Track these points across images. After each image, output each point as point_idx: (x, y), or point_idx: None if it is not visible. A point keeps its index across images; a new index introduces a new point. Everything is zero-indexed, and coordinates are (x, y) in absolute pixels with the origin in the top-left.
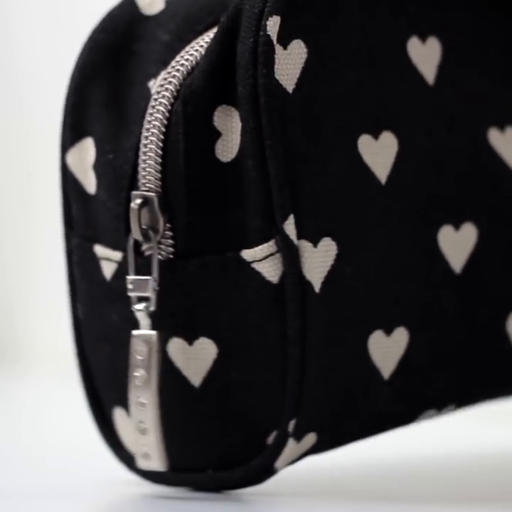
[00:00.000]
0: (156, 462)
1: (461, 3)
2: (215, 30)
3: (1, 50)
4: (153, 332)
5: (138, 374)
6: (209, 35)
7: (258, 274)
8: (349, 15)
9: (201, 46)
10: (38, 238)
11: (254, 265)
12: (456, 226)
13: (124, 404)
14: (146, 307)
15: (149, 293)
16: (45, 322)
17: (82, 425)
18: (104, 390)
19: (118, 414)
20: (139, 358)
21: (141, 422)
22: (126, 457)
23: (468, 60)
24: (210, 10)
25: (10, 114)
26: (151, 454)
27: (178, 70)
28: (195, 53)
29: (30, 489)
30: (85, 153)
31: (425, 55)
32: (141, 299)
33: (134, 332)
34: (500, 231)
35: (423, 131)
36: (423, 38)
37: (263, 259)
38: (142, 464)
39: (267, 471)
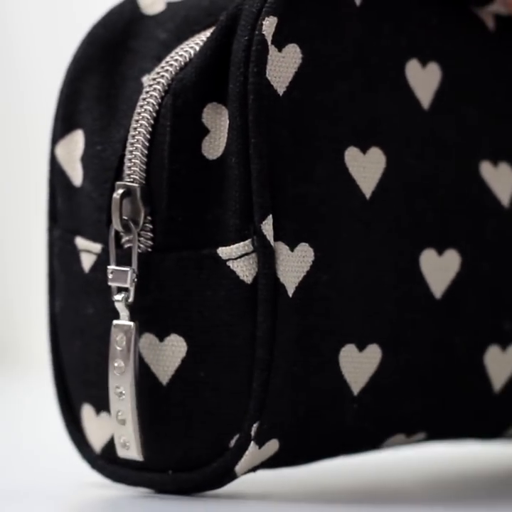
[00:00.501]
0: (134, 452)
1: (469, 35)
2: (212, 29)
3: (1, 48)
4: (132, 323)
5: (116, 364)
6: (206, 34)
7: (232, 272)
8: (349, 26)
9: (196, 44)
10: (38, 238)
11: (230, 263)
12: (439, 251)
13: (93, 400)
14: (125, 298)
15: (128, 284)
16: (45, 322)
17: None
18: (74, 386)
19: (86, 411)
20: (118, 348)
21: (119, 412)
22: (89, 455)
23: (468, 91)
24: (210, 12)
25: (11, 116)
26: (130, 443)
27: (171, 65)
28: (190, 50)
29: (29, 490)
30: (75, 146)
31: (423, 80)
32: (120, 290)
33: (114, 322)
34: (484, 263)
35: (413, 153)
36: (424, 62)
37: (238, 258)
38: (121, 453)
39: (226, 475)
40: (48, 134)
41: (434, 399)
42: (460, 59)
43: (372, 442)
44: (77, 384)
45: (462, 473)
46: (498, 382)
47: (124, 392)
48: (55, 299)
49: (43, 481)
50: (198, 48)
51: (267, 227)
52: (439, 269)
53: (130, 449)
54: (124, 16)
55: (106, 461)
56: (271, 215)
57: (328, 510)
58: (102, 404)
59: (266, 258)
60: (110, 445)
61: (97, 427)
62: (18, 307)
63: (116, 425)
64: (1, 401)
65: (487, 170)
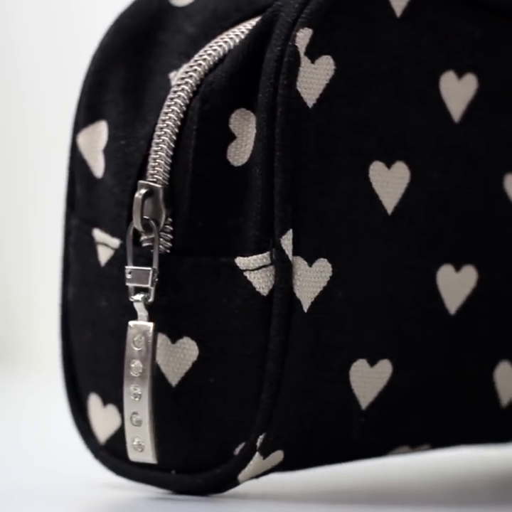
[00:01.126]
0: (148, 454)
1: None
2: (241, 26)
3: (1, 47)
4: (151, 324)
5: (134, 365)
6: (234, 31)
7: (249, 283)
8: (387, 38)
9: (225, 42)
10: (38, 238)
11: (247, 274)
12: (457, 267)
13: (100, 392)
14: (145, 298)
15: (148, 284)
16: (45, 322)
17: None
18: (82, 375)
19: (93, 401)
20: (136, 349)
21: (135, 413)
22: (93, 445)
23: (501, 103)
24: (238, 6)
25: (11, 117)
26: (144, 445)
27: (199, 65)
28: (219, 49)
29: (30, 490)
30: (97, 136)
31: (457, 91)
32: (138, 290)
33: (131, 323)
34: (500, 279)
35: (439, 166)
36: (460, 73)
37: (256, 270)
38: (134, 456)
39: (229, 482)
40: (48, 133)
41: (441, 413)
42: (500, 70)
43: (376, 453)
44: (86, 373)
45: (464, 473)
46: (506, 396)
47: (141, 393)
48: (68, 285)
49: (42, 482)
50: (226, 48)
51: (287, 241)
52: (456, 285)
53: (144, 451)
54: (152, 6)
55: (109, 453)
56: (291, 230)
57: (328, 510)
58: (109, 397)
59: (283, 272)
60: (115, 438)
61: (102, 418)
62: (18, 307)
63: (131, 427)
64: (1, 401)
65: (511, 183)
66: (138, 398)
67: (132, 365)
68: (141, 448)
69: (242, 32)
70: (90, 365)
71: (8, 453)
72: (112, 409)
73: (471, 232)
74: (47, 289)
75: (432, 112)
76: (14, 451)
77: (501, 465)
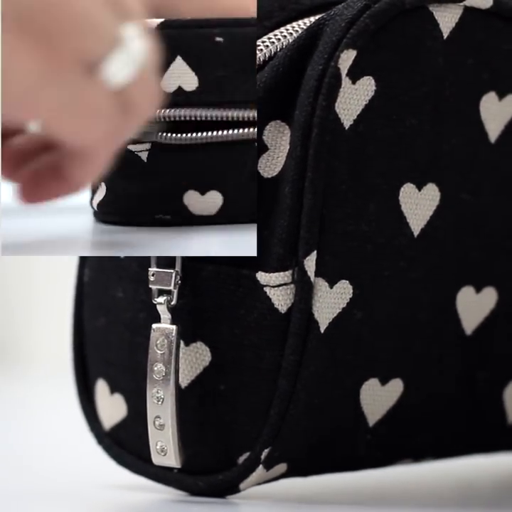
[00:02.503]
0: (171, 458)
1: None
2: (283, 29)
3: None
4: (173, 326)
5: (156, 368)
6: (276, 35)
7: (268, 299)
8: (431, 59)
9: (266, 46)
10: None
11: (267, 290)
12: (478, 288)
13: (109, 379)
14: (168, 301)
15: (171, 287)
16: (45, 322)
17: (82, 426)
18: (92, 359)
19: (100, 386)
20: (159, 352)
21: (157, 417)
22: (97, 431)
23: None
24: (282, 5)
25: None
26: (167, 449)
27: None
28: (259, 53)
29: (28, 490)
30: None
31: (497, 112)
32: (161, 292)
33: (154, 325)
34: None
35: (470, 188)
36: (502, 94)
37: (276, 287)
38: (157, 460)
39: (230, 489)
40: None
41: (448, 430)
42: None
43: (379, 465)
44: (97, 358)
45: (465, 474)
46: None
47: (163, 397)
48: (85, 267)
49: (42, 481)
50: (267, 54)
51: (310, 263)
52: (475, 306)
53: (167, 454)
54: None
55: (113, 442)
56: (315, 251)
57: (328, 510)
58: (117, 386)
59: (303, 293)
60: (119, 427)
61: (109, 406)
62: (18, 307)
63: (154, 431)
64: (1, 401)
65: None
66: (160, 402)
67: (155, 368)
68: (164, 452)
69: (285, 36)
70: (102, 351)
71: (8, 453)
72: (118, 398)
73: (495, 254)
74: (47, 289)
75: (468, 132)
76: (13, 451)
77: (504, 464)
